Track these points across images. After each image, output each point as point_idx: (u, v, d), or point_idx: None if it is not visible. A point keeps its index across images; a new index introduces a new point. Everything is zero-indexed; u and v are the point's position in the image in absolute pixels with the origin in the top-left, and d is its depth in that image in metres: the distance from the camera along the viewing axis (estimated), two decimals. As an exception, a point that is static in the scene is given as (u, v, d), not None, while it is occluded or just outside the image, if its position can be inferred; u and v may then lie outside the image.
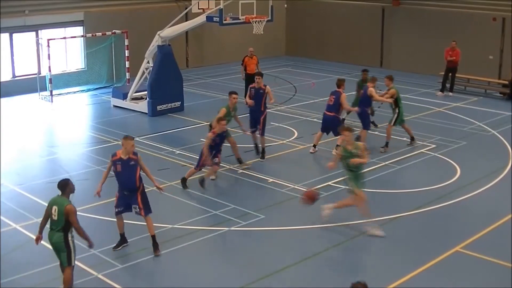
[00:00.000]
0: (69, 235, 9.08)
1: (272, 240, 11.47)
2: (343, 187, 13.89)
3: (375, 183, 14.23)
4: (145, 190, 10.77)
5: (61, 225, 9.00)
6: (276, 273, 10.08)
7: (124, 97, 21.48)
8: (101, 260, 10.51)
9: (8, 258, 10.61)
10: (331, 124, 15.75)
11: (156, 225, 11.29)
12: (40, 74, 23.53)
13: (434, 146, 16.97)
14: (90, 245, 9.39)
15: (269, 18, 20.23)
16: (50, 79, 22.74)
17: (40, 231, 9.34)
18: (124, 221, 10.94)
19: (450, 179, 14.51)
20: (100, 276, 9.98)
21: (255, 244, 11.35)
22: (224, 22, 19.29)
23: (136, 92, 21.43)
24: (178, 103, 20.92)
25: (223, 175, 14.76)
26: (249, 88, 16.16)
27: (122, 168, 10.43)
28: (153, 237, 10.70)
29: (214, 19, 19.45)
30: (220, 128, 13.49)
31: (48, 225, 9.22)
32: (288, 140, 17.33)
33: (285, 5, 32.06)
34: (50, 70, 22.82)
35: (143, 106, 20.72)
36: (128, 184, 10.51)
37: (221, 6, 19.12)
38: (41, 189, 13.84)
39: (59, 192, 9.17)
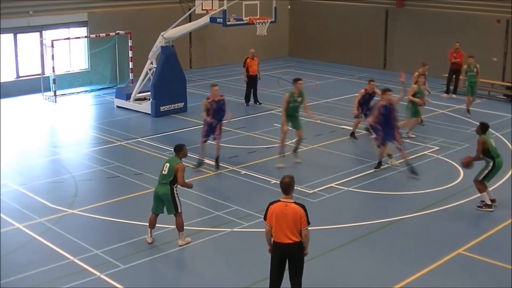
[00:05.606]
0: (175, 189, 10.88)
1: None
2: (346, 188, 13.90)
3: (378, 184, 14.22)
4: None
5: (169, 179, 10.81)
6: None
7: (128, 97, 21.49)
8: (104, 260, 10.52)
9: (11, 257, 10.63)
10: None
11: (159, 226, 11.31)
12: (44, 74, 23.55)
13: (437, 148, 16.95)
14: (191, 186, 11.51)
15: (273, 19, 20.24)
16: (54, 80, 22.76)
17: None
18: (124, 221, 11.12)
19: (453, 181, 14.49)
20: (102, 276, 10.00)
21: (257, 245, 11.32)
22: (228, 23, 19.29)
23: (139, 92, 21.44)
24: (181, 104, 20.93)
25: (226, 176, 14.77)
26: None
27: (216, 106, 14.90)
28: (218, 157, 15.15)
29: (218, 20, 19.46)
30: None
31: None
32: (291, 142, 17.31)
33: (289, 6, 32.01)
34: (53, 71, 22.83)
35: (146, 106, 20.73)
36: (219, 117, 14.99)
37: (225, 7, 19.15)
38: (44, 189, 13.88)
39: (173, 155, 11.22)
